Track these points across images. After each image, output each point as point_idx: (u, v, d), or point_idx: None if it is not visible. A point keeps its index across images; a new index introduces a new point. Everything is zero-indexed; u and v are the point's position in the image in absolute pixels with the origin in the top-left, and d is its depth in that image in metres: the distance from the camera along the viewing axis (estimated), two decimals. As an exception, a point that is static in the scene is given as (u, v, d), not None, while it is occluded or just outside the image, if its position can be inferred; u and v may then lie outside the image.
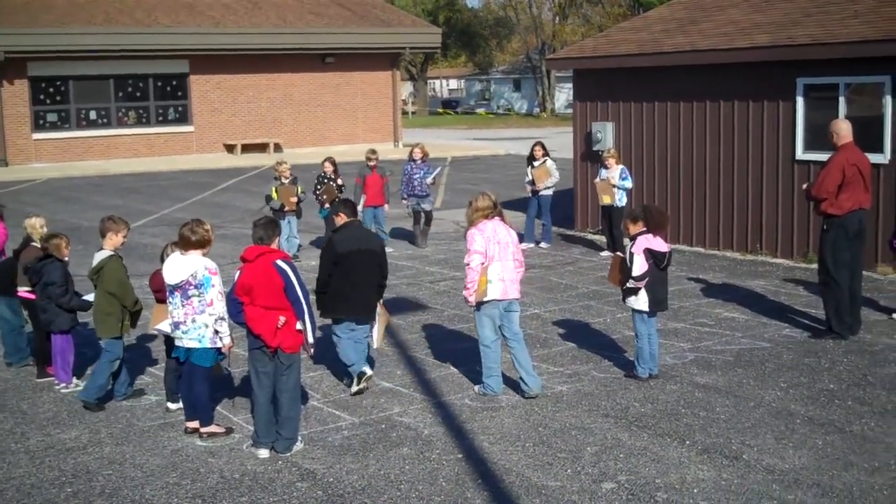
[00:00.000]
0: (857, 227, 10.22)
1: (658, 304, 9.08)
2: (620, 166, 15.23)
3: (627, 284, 9.04)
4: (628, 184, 15.05)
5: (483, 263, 8.44)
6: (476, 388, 8.80)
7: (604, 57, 17.25)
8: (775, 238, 14.65)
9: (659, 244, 9.01)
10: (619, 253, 9.64)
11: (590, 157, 17.31)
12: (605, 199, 15.01)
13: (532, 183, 16.04)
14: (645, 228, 9.04)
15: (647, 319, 9.01)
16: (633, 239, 9.12)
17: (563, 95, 73.36)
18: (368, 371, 8.89)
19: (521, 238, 15.69)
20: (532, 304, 12.09)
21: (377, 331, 9.01)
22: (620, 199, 15.03)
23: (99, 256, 8.76)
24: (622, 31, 18.66)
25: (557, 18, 70.18)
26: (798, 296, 12.29)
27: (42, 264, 9.12)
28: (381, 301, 9.05)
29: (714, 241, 15.52)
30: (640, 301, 9.00)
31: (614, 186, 14.95)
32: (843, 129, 10.37)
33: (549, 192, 16.19)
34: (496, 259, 8.47)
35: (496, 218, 8.59)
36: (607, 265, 13.88)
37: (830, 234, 10.23)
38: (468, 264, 8.52)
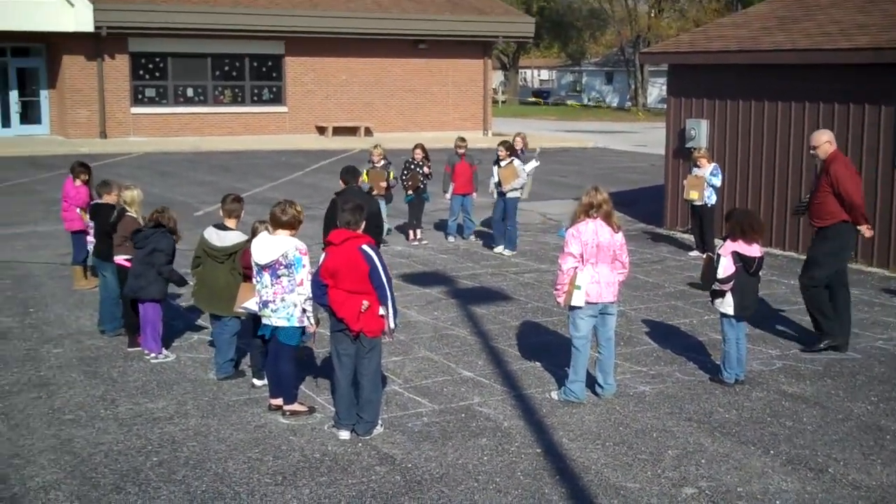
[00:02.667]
0: None
1: (745, 308, 8.90)
2: (713, 164, 14.95)
3: (713, 286, 8.89)
4: (717, 181, 14.72)
5: (576, 267, 8.25)
6: (554, 393, 8.59)
7: (701, 52, 16.95)
8: (871, 246, 14.23)
9: (750, 248, 8.83)
10: (709, 253, 9.46)
11: (682, 153, 17.03)
12: (693, 195, 14.73)
13: (498, 184, 15.04)
14: (731, 231, 8.88)
15: (736, 323, 8.85)
16: (724, 239, 8.96)
17: (655, 90, 72.42)
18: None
19: (493, 243, 15.50)
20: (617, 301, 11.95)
21: None
22: (710, 198, 14.73)
23: (231, 237, 8.92)
24: (720, 27, 18.31)
25: (653, 12, 69.26)
26: (893, 307, 11.93)
27: (153, 231, 9.37)
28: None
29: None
30: (727, 304, 8.85)
31: (706, 184, 14.68)
32: (831, 139, 10.34)
33: (517, 193, 15.09)
34: (592, 263, 8.23)
35: (599, 218, 8.30)
36: (696, 265, 13.70)
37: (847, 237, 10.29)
38: (560, 266, 8.33)
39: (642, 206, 19.62)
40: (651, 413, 8.19)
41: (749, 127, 15.99)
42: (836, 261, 10.21)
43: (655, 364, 9.58)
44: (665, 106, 18.05)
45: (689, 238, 16.03)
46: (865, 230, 10.37)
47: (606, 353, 8.51)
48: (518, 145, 16.17)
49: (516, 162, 15.04)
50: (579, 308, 8.29)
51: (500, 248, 15.30)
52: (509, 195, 15.01)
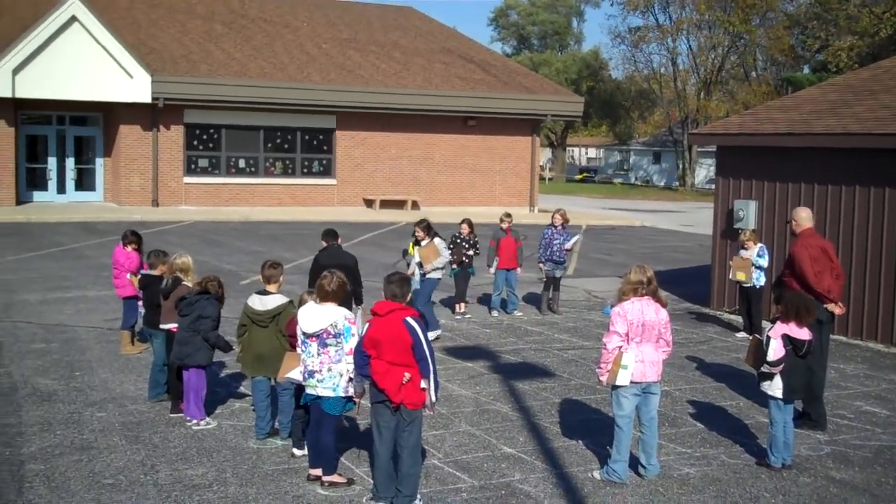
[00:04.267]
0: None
1: (793, 392, 8.77)
2: (759, 245, 14.87)
3: (762, 369, 8.78)
4: (764, 262, 14.63)
5: (620, 347, 8.20)
6: (597, 472, 8.48)
7: (750, 135, 16.96)
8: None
9: (800, 331, 8.72)
10: (756, 335, 9.35)
11: (730, 234, 16.95)
12: (739, 276, 14.66)
13: (420, 265, 14.11)
14: (784, 313, 8.79)
15: (783, 407, 8.70)
16: (773, 321, 8.86)
17: (703, 171, 72.50)
18: None
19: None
20: (662, 381, 11.81)
21: (358, 324, 9.61)
22: (758, 279, 14.64)
23: (273, 301, 9.07)
24: (770, 110, 18.33)
25: (702, 93, 69.63)
26: (946, 395, 11.65)
27: (198, 298, 9.46)
28: (362, 304, 11.36)
29: (857, 331, 14.91)
30: (775, 387, 8.72)
31: (752, 265, 14.60)
32: (798, 219, 10.94)
33: (437, 274, 14.05)
34: (637, 342, 8.18)
35: (647, 296, 8.30)
36: (743, 346, 13.53)
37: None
38: (605, 345, 8.27)
39: (689, 285, 19.49)
40: (696, 496, 8.02)
41: (798, 209, 15.88)
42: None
43: (700, 446, 9.42)
44: (713, 186, 18.01)
45: (737, 319, 15.87)
46: (834, 309, 10.60)
47: (649, 433, 8.39)
48: (557, 221, 16.22)
49: (437, 240, 14.21)
50: (623, 387, 8.21)
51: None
52: (430, 276, 14.05)
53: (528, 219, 32.94)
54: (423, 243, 14.20)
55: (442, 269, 14.25)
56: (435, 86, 36.47)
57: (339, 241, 12.41)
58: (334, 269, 10.38)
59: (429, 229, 14.29)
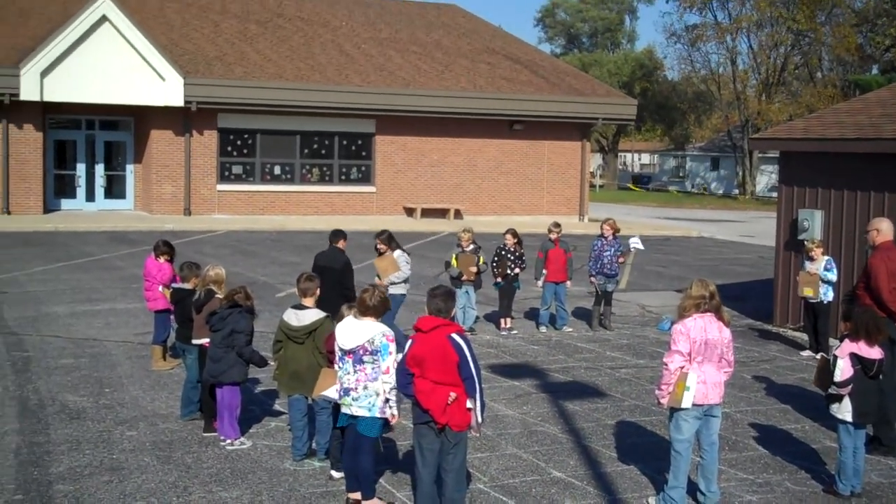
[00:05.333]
0: None
1: (864, 415, 8.67)
2: (826, 257, 14.71)
3: (830, 390, 8.68)
4: (832, 276, 14.48)
5: (683, 367, 8.14)
6: (652, 499, 8.41)
7: (815, 139, 16.78)
8: None
9: (870, 350, 8.62)
10: (824, 354, 9.25)
11: (794, 246, 16.77)
12: (807, 291, 14.52)
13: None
14: (853, 331, 8.69)
15: (854, 431, 8.59)
16: (841, 340, 8.76)
17: (764, 178, 71.86)
18: None
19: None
20: (723, 402, 11.70)
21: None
22: (825, 294, 14.49)
23: (309, 316, 9.12)
24: (836, 113, 18.13)
25: (763, 95, 69.03)
26: None
27: (230, 312, 9.53)
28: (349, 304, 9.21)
29: None
30: (844, 410, 8.63)
31: (820, 279, 14.45)
32: (881, 228, 10.83)
33: (399, 290, 13.71)
34: (698, 362, 8.11)
35: (710, 313, 8.22)
36: (808, 365, 13.38)
37: None
38: (666, 365, 8.21)
39: (750, 301, 19.32)
40: (758, 526, 7.95)
41: (868, 219, 15.66)
42: None
43: (763, 472, 9.33)
44: (775, 195, 17.83)
45: (802, 336, 15.70)
46: None
47: (709, 458, 8.32)
48: (607, 232, 16.12)
49: (396, 253, 13.94)
50: (683, 409, 8.14)
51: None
52: (392, 291, 13.47)
53: (578, 228, 32.84)
54: (386, 255, 14.02)
55: (403, 283, 13.89)
56: (479, 88, 36.53)
57: (342, 243, 12.97)
58: (324, 269, 11.55)
59: (390, 240, 14.13)
